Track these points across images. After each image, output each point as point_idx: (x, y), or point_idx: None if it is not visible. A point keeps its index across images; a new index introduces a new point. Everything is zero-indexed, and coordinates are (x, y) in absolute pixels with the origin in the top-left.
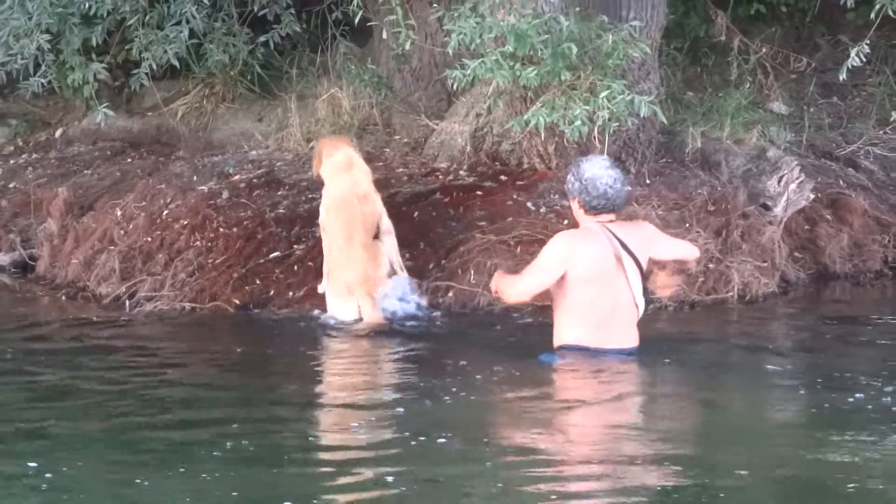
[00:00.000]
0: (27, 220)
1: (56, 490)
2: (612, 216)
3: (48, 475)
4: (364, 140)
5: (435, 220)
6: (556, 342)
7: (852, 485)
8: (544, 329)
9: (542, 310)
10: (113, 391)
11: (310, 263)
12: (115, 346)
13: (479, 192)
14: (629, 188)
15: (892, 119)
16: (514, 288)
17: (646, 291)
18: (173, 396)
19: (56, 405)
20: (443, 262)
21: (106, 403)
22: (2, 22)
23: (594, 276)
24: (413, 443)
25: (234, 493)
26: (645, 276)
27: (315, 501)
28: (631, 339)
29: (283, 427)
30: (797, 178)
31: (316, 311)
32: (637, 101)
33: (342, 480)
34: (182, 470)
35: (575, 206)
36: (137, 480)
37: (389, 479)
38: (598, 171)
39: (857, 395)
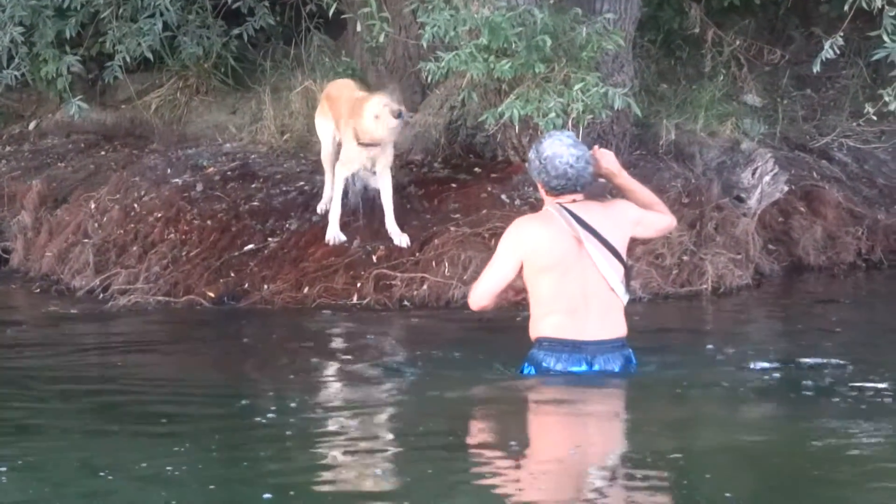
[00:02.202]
0: (0, 212)
1: (24, 482)
2: (574, 197)
3: (17, 467)
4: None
5: (409, 212)
6: (533, 334)
7: (830, 473)
8: (518, 324)
9: (514, 303)
10: (85, 384)
11: (284, 256)
12: (88, 339)
13: (453, 185)
14: (592, 168)
15: (865, 111)
16: (473, 293)
17: (627, 275)
18: (148, 390)
19: (26, 398)
20: (417, 254)
21: (78, 397)
22: None
23: (552, 263)
24: (393, 435)
25: (211, 487)
26: (624, 260)
27: (293, 493)
28: (613, 329)
29: (260, 420)
30: (771, 171)
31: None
32: (611, 94)
33: (323, 473)
34: (157, 464)
35: (539, 186)
36: (109, 476)
37: (377, 471)
38: (558, 148)
39: (833, 386)
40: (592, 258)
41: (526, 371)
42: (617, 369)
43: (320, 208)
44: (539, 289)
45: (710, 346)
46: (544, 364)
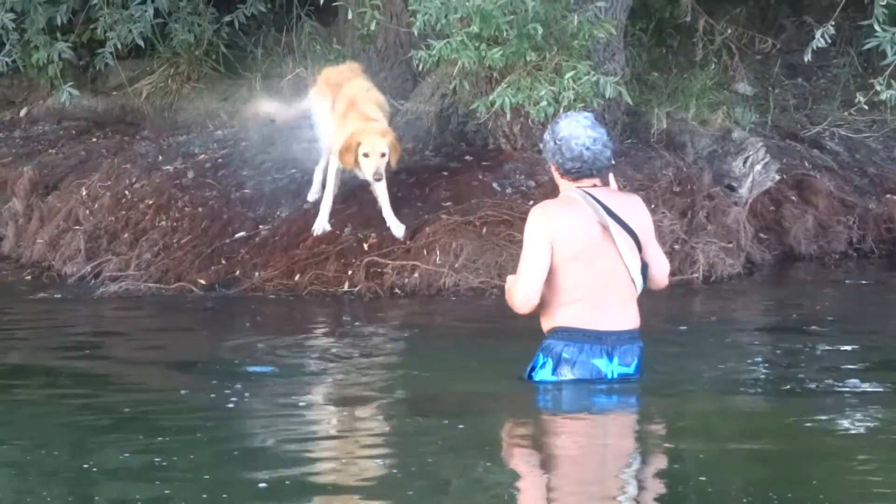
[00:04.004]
0: None
1: (9, 476)
2: (593, 181)
3: (1, 461)
4: None
5: (400, 200)
6: (548, 325)
7: (826, 463)
8: (510, 311)
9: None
10: (76, 372)
11: (275, 243)
12: (78, 325)
13: (444, 173)
14: (611, 150)
15: (856, 101)
16: (516, 295)
17: (644, 267)
18: (140, 378)
19: (11, 388)
20: (408, 242)
21: (68, 384)
22: None
23: (580, 249)
24: (389, 426)
25: (206, 477)
26: (641, 250)
27: (288, 483)
28: (629, 320)
29: (253, 408)
30: (762, 160)
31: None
32: (602, 82)
33: (317, 463)
34: (149, 453)
35: (553, 169)
36: (95, 469)
37: (378, 461)
38: (575, 129)
39: (823, 376)
40: (618, 246)
41: (542, 362)
42: (635, 361)
43: (311, 197)
44: (561, 278)
45: (701, 335)
46: (564, 354)
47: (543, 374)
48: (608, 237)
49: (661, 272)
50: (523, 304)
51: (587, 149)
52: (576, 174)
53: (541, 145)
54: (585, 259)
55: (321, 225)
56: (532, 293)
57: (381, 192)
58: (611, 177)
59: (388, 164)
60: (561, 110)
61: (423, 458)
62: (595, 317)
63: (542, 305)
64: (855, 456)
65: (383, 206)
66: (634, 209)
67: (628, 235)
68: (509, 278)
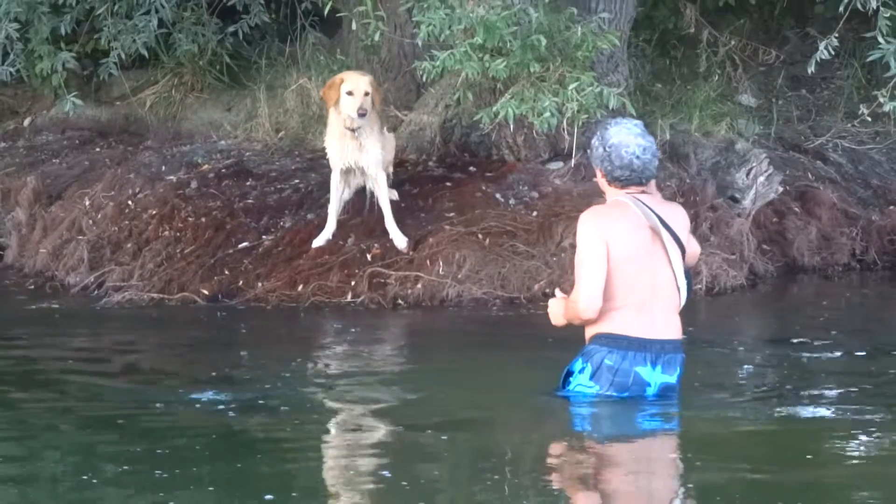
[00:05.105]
0: None
1: (8, 487)
2: (640, 189)
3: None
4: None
5: (404, 211)
6: (591, 331)
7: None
8: (512, 322)
9: (509, 302)
10: (76, 382)
11: (278, 253)
12: (80, 336)
13: (448, 184)
14: (658, 159)
15: (860, 112)
16: (580, 302)
17: (688, 276)
18: (140, 389)
19: (13, 397)
20: (411, 253)
21: (68, 395)
22: None
23: (632, 253)
24: (389, 439)
25: (210, 489)
26: (686, 260)
27: (295, 494)
28: (675, 328)
29: (255, 420)
30: (766, 171)
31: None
32: (606, 93)
33: (323, 474)
34: (150, 465)
35: (598, 175)
36: (95, 480)
37: (385, 473)
38: (625, 136)
39: (827, 390)
40: (667, 252)
41: (580, 367)
42: (678, 371)
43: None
44: (611, 281)
45: (703, 347)
46: (607, 361)
47: (581, 378)
48: (658, 243)
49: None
50: (587, 308)
51: (637, 157)
52: (624, 182)
53: (589, 150)
54: (635, 265)
55: (325, 238)
56: (596, 296)
57: (384, 204)
58: (652, 184)
59: (373, 103)
60: (564, 121)
61: (423, 473)
62: (641, 324)
63: None
64: (860, 483)
65: (386, 218)
66: (679, 218)
67: (675, 243)
68: (554, 305)
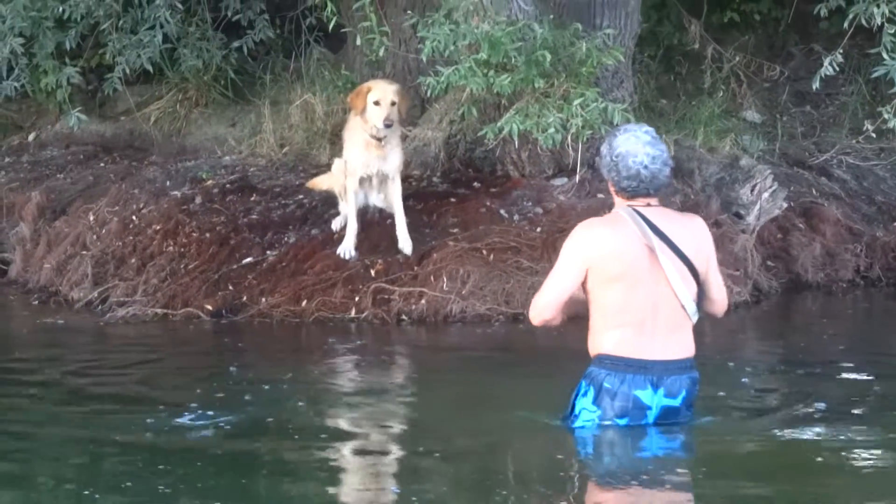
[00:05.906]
0: None
1: (9, 501)
2: (648, 200)
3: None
4: (337, 146)
5: (408, 226)
6: (594, 350)
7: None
8: (516, 338)
9: (513, 318)
10: (78, 397)
11: (282, 269)
12: (84, 351)
13: (452, 199)
14: (669, 169)
15: (864, 129)
16: (534, 305)
17: (700, 293)
18: (143, 404)
19: (16, 411)
20: (416, 268)
21: (70, 410)
22: None
23: (621, 272)
24: (391, 458)
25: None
26: (699, 276)
27: None
28: (681, 348)
29: (258, 437)
30: (770, 187)
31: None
32: (610, 109)
33: (322, 495)
34: (152, 480)
35: (609, 184)
36: (97, 495)
37: (394, 489)
38: (633, 145)
39: (831, 408)
40: (665, 270)
41: (584, 389)
42: (683, 394)
43: (336, 225)
44: (604, 300)
45: (708, 364)
46: (606, 384)
47: (585, 402)
48: (655, 260)
49: (714, 302)
50: (536, 316)
51: (645, 167)
52: (631, 193)
53: (597, 159)
54: (628, 282)
55: (346, 248)
56: (546, 308)
57: (398, 207)
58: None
59: (399, 113)
60: (569, 137)
61: (427, 491)
62: (640, 345)
63: (589, 329)
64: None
65: (398, 220)
66: (692, 232)
67: (678, 259)
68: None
